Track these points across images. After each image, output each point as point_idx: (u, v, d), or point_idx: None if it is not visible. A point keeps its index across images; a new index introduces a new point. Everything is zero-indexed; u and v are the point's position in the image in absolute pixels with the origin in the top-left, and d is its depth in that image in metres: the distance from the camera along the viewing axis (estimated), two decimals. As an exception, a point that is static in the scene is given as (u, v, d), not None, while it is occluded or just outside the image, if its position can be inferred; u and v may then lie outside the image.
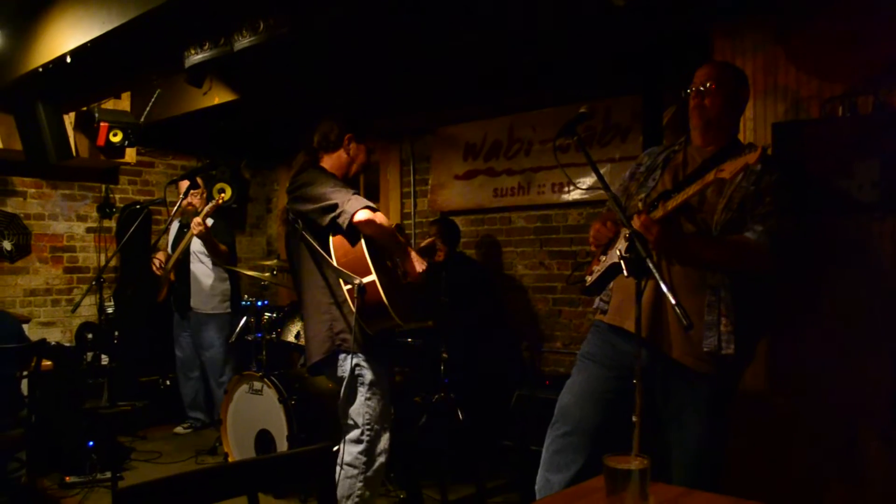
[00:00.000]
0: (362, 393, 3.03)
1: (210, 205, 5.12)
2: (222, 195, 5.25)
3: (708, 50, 3.20)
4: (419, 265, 3.16)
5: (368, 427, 3.02)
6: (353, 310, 2.87)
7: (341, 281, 2.92)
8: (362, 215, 2.88)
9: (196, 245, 5.36)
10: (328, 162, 3.20)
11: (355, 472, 3.02)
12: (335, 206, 2.91)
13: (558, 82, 4.88)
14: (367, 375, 3.03)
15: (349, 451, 3.04)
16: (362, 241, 2.94)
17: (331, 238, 2.97)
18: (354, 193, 2.98)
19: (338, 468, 3.06)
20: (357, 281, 2.85)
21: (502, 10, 3.55)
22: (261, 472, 1.50)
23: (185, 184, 4.29)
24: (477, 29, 3.71)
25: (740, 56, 3.07)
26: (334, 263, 2.93)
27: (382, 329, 2.99)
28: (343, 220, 2.89)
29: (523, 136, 5.48)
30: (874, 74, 2.73)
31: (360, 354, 3.02)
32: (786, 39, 2.96)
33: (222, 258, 5.31)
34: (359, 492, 3.01)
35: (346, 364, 3.02)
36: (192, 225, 5.09)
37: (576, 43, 4.01)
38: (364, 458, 3.02)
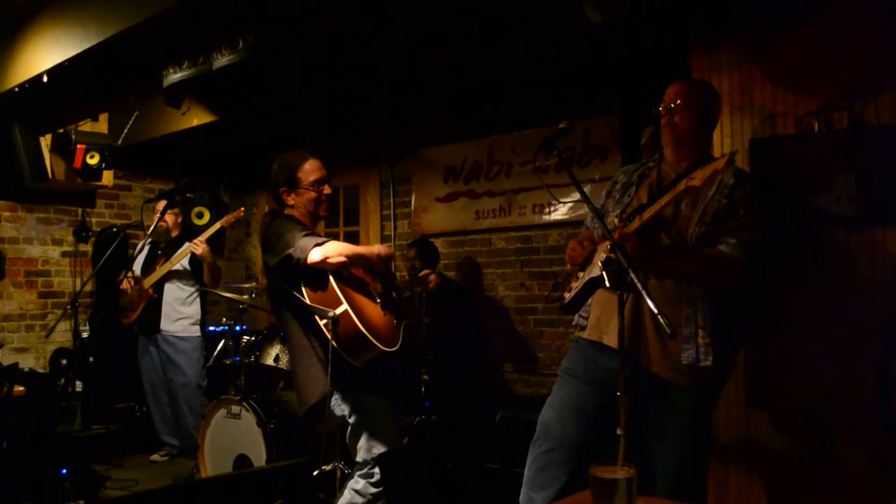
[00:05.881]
0: (366, 428, 3.00)
1: (219, 223, 5.06)
2: (240, 210, 5.14)
3: (685, 68, 3.24)
4: (383, 251, 3.07)
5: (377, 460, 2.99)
6: (334, 344, 2.82)
7: (317, 318, 2.88)
8: (315, 256, 2.84)
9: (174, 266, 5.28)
10: (292, 211, 3.15)
11: (362, 500, 2.98)
12: (289, 257, 2.89)
13: (536, 104, 4.91)
14: (366, 410, 3.01)
15: (360, 482, 3.01)
16: (329, 274, 2.91)
17: (300, 281, 2.94)
18: (304, 235, 2.92)
19: (346, 492, 3.03)
20: (330, 314, 2.82)
21: (478, 31, 3.57)
22: (236, 488, 1.46)
23: (161, 204, 4.24)
24: (454, 50, 3.73)
25: (717, 74, 3.10)
26: (307, 301, 2.90)
27: (371, 360, 2.93)
28: (302, 265, 2.86)
29: (503, 157, 5.50)
30: (848, 90, 2.76)
31: (355, 392, 2.99)
32: (761, 57, 2.99)
33: (214, 281, 5.24)
34: None
35: (344, 403, 3.00)
36: (192, 246, 5.02)
37: (553, 64, 4.05)
38: (374, 491, 2.97)
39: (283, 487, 1.48)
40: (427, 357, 4.72)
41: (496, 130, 5.51)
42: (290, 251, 2.88)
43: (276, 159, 3.17)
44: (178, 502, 1.31)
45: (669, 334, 1.94)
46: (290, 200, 3.12)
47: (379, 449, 2.98)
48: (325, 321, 2.83)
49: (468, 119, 5.35)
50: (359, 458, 3.03)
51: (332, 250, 2.87)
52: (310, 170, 3.11)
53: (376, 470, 2.97)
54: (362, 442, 3.01)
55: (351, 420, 3.01)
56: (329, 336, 2.83)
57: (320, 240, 2.91)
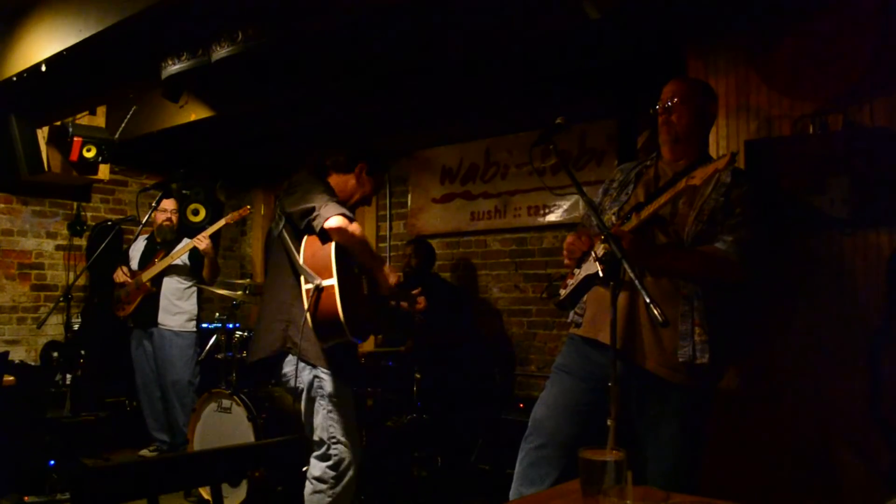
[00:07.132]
0: (324, 406, 2.97)
1: (225, 219, 5.06)
2: (246, 208, 5.17)
3: (682, 72, 3.25)
4: (392, 277, 3.15)
5: (335, 441, 2.96)
6: (307, 316, 2.82)
7: (303, 279, 2.88)
8: (334, 222, 2.86)
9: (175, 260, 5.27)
10: (334, 180, 3.19)
11: (324, 486, 2.95)
12: (312, 210, 2.90)
13: (534, 107, 4.93)
14: (327, 388, 2.97)
15: (318, 466, 2.98)
16: (332, 245, 2.91)
17: (305, 237, 2.96)
18: (335, 201, 2.96)
19: (307, 483, 3.00)
20: (317, 282, 2.82)
21: (478, 32, 3.58)
22: (225, 463, 1.46)
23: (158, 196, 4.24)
24: (453, 52, 3.73)
25: (713, 76, 3.12)
26: (300, 261, 2.90)
27: (336, 344, 2.91)
28: (316, 224, 2.89)
29: (500, 159, 5.52)
30: (843, 93, 2.78)
31: (318, 366, 2.97)
32: (757, 60, 3.01)
33: (213, 277, 5.23)
34: None
35: (303, 375, 2.98)
36: (196, 241, 5.02)
37: (551, 68, 4.06)
38: (333, 473, 2.95)
39: (271, 463, 1.48)
40: (419, 357, 4.72)
41: (494, 132, 5.53)
42: (315, 204, 2.90)
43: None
44: (165, 473, 1.31)
45: (661, 323, 1.94)
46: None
47: (336, 429, 2.95)
48: (309, 286, 2.84)
49: (466, 120, 5.37)
50: (315, 437, 2.99)
51: (353, 227, 2.91)
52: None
53: (333, 450, 2.95)
54: (319, 419, 2.98)
55: (312, 394, 2.98)
56: (306, 303, 2.83)
57: (347, 212, 2.93)
